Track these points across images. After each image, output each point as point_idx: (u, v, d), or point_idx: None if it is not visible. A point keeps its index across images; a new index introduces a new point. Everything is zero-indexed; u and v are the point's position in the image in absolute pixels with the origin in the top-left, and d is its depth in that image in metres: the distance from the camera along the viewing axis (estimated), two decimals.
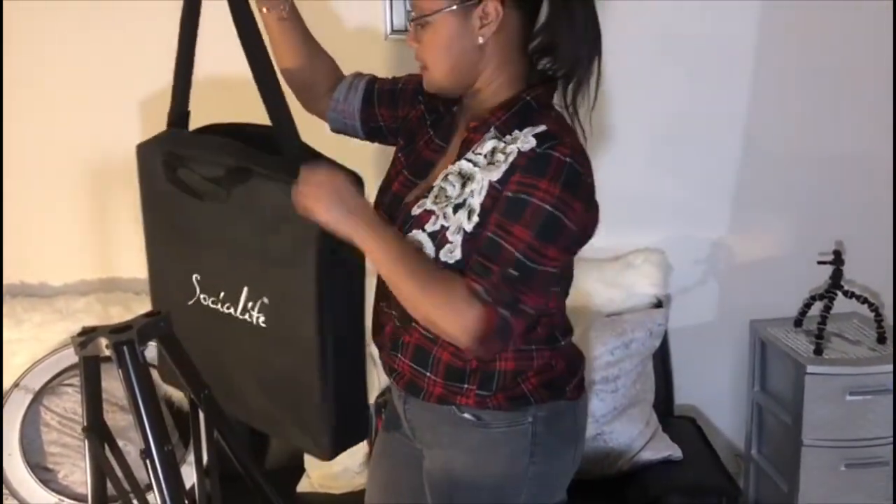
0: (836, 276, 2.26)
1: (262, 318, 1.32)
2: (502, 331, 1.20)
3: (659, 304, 2.30)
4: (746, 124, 2.31)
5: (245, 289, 1.33)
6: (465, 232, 1.23)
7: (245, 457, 1.38)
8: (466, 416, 1.34)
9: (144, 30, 2.10)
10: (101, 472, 1.26)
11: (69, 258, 2.26)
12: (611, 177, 2.26)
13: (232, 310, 1.35)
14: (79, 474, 2.03)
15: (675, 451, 2.13)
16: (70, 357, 2.05)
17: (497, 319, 1.19)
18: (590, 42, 1.25)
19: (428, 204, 1.28)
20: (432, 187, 1.30)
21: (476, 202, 1.23)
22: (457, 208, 1.25)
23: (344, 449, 1.37)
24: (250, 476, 1.38)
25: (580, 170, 1.20)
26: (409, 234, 1.27)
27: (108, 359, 1.20)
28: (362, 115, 1.48)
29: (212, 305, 1.38)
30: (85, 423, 1.25)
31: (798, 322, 2.35)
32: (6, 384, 2.06)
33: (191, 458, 1.93)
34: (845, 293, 2.27)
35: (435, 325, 1.22)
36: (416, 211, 1.29)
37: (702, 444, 2.24)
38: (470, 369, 1.31)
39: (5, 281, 2.26)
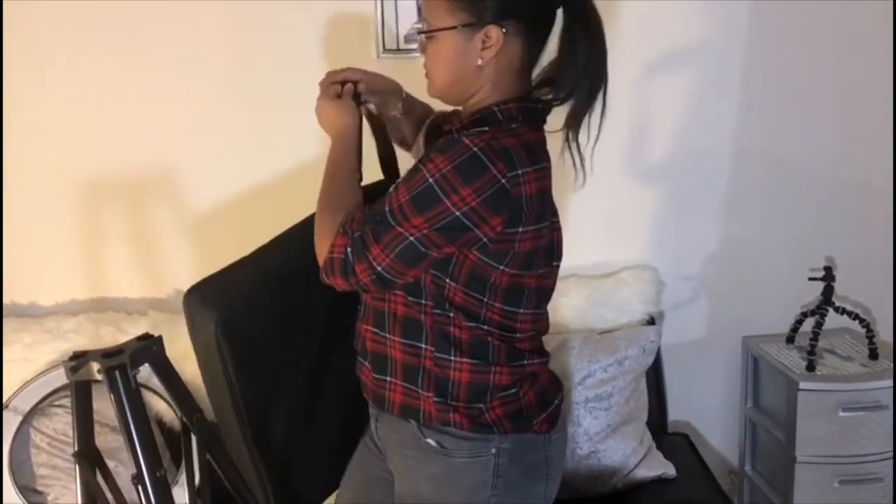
0: (828, 293, 2.27)
1: None
2: (343, 265, 1.26)
3: (651, 321, 2.30)
4: (737, 141, 2.33)
5: None
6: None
7: (236, 478, 1.38)
8: (430, 441, 1.35)
9: (139, 51, 2.11)
10: (91, 497, 1.25)
11: (60, 278, 2.25)
12: (602, 194, 2.30)
13: None
14: (69, 496, 2.00)
15: (668, 469, 2.13)
16: (60, 378, 2.03)
17: (340, 251, 1.26)
18: (592, 77, 1.28)
19: None
20: None
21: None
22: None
23: None
24: (241, 497, 1.38)
25: (486, 162, 1.19)
26: None
27: (98, 380, 1.20)
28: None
29: None
30: (76, 448, 1.25)
31: (790, 338, 2.36)
32: None
33: (181, 478, 1.92)
34: (836, 309, 2.28)
35: (315, 243, 1.31)
36: None
37: (695, 460, 2.24)
38: (425, 370, 1.33)
39: None
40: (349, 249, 1.25)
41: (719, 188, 2.36)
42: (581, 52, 1.26)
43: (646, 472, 2.12)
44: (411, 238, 1.22)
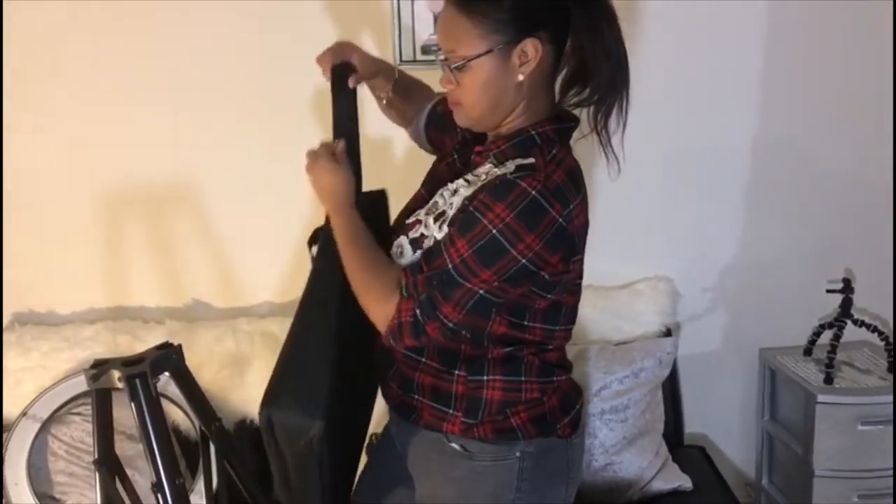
0: (846, 305, 2.26)
1: None
2: (414, 328, 1.24)
3: (668, 333, 2.29)
4: (755, 152, 2.32)
5: None
6: (435, 240, 1.27)
7: (253, 486, 1.39)
8: (454, 445, 1.35)
9: (155, 61, 2.12)
10: None
11: (78, 286, 2.26)
12: (619, 205, 2.29)
13: None
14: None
15: (685, 482, 2.11)
16: (78, 386, 2.04)
17: (408, 315, 1.23)
18: (620, 65, 1.27)
19: (421, 214, 1.33)
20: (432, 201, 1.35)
21: (451, 214, 1.28)
22: (437, 218, 1.29)
23: None
24: None
25: (546, 206, 1.19)
26: (397, 240, 1.33)
27: (118, 388, 1.20)
28: (428, 138, 1.55)
29: None
30: (96, 456, 1.25)
31: (808, 351, 2.34)
32: (14, 413, 2.06)
33: (197, 486, 1.93)
34: (855, 322, 2.26)
35: (366, 309, 1.28)
36: (409, 220, 1.35)
37: (712, 473, 2.22)
38: (456, 394, 1.32)
39: (13, 309, 2.26)
40: (418, 311, 1.23)
41: (737, 200, 2.35)
42: (610, 45, 1.25)
43: (662, 485, 2.10)
44: (481, 292, 1.22)
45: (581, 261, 1.32)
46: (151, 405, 1.18)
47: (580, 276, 1.35)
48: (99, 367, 1.21)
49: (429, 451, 1.39)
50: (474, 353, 1.32)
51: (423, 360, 1.34)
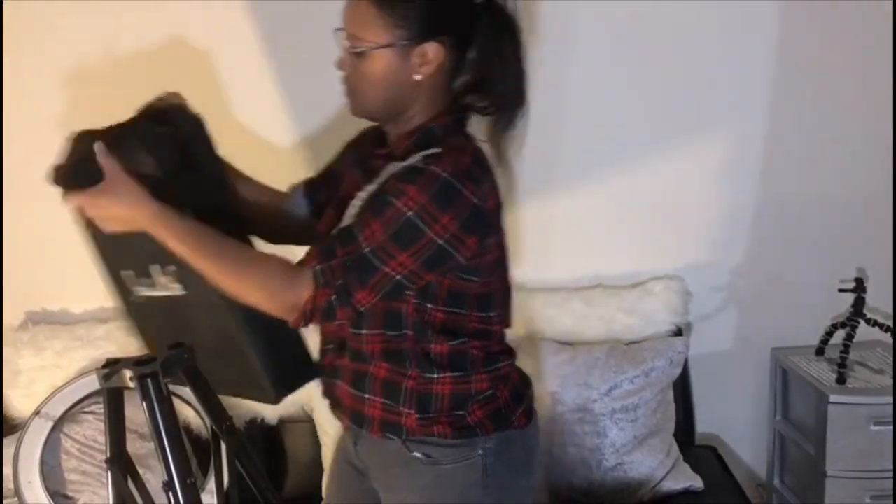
0: (859, 305, 2.24)
1: (178, 287, 1.32)
2: (326, 313, 1.23)
3: (679, 332, 2.28)
4: (767, 150, 2.31)
5: (155, 265, 1.33)
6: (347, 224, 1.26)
7: (264, 485, 1.39)
8: (416, 454, 1.35)
9: (172, 49, 2.13)
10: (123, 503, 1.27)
11: (90, 285, 2.25)
12: (628, 204, 2.29)
13: (159, 289, 1.35)
14: (98, 502, 2.02)
15: (696, 482, 2.11)
16: (91, 385, 2.05)
17: (324, 302, 1.22)
18: (518, 83, 1.30)
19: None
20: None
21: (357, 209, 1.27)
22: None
23: (290, 392, 1.40)
24: None
25: (459, 187, 1.21)
26: None
27: (130, 388, 1.21)
28: (317, 203, 1.48)
29: (149, 293, 1.37)
30: (108, 455, 1.26)
31: (820, 350, 2.33)
32: (27, 412, 2.07)
33: (208, 485, 1.94)
34: (868, 321, 2.25)
35: (250, 300, 1.23)
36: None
37: (723, 473, 2.22)
38: (407, 389, 1.33)
39: (27, 308, 2.27)
40: (334, 298, 1.23)
41: (749, 197, 2.34)
42: (510, 62, 1.28)
43: (673, 485, 2.10)
44: (398, 277, 1.22)
45: (501, 244, 1.34)
46: (163, 404, 1.19)
47: (504, 260, 1.36)
48: (111, 367, 1.22)
49: (390, 464, 1.39)
50: (421, 350, 1.32)
51: (373, 362, 1.34)
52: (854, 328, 2.23)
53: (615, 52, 2.21)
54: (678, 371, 2.21)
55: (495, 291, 1.36)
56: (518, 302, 2.20)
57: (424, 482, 1.36)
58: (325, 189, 1.46)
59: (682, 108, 2.27)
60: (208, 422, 1.33)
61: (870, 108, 2.29)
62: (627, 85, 2.24)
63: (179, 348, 1.26)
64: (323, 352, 1.44)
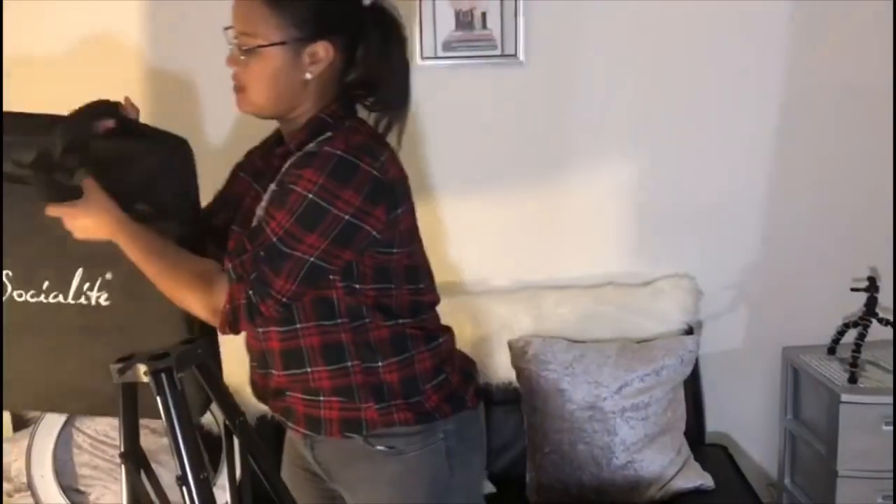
0: (871, 304, 2.24)
1: (103, 297, 1.30)
2: (248, 309, 1.23)
3: (689, 331, 2.28)
4: (779, 149, 2.30)
5: (79, 270, 1.30)
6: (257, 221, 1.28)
7: (276, 480, 1.39)
8: (379, 448, 1.36)
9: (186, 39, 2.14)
10: (137, 499, 1.27)
11: None
12: (639, 202, 2.29)
13: (60, 297, 1.32)
14: (110, 496, 2.04)
15: (706, 480, 2.11)
16: None
17: (242, 297, 1.22)
18: (401, 86, 1.34)
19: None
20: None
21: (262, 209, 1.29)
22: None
23: None
24: (281, 500, 1.39)
25: (355, 161, 1.23)
26: None
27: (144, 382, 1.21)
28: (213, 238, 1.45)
29: (31, 300, 1.33)
30: (122, 450, 1.26)
31: (831, 349, 2.32)
32: None
33: (220, 480, 1.94)
34: (880, 320, 2.24)
35: (188, 306, 1.25)
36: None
37: (734, 472, 2.22)
38: (357, 385, 1.34)
39: None
40: (251, 292, 1.22)
41: (760, 196, 2.33)
42: (395, 65, 1.33)
43: (683, 484, 2.10)
44: (311, 259, 1.23)
45: (410, 214, 1.34)
46: (177, 399, 1.19)
47: (415, 232, 1.38)
48: (125, 362, 1.22)
49: (352, 462, 1.39)
50: (361, 340, 1.33)
51: (311, 369, 1.34)
52: (866, 327, 2.23)
53: (626, 49, 2.21)
54: (689, 369, 2.21)
55: (419, 265, 1.39)
56: (527, 299, 2.24)
57: (391, 473, 1.37)
58: (223, 212, 1.44)
59: (695, 107, 2.27)
60: (221, 417, 1.33)
61: (883, 105, 2.28)
62: (641, 82, 2.25)
63: (193, 343, 1.26)
64: (253, 369, 1.45)
